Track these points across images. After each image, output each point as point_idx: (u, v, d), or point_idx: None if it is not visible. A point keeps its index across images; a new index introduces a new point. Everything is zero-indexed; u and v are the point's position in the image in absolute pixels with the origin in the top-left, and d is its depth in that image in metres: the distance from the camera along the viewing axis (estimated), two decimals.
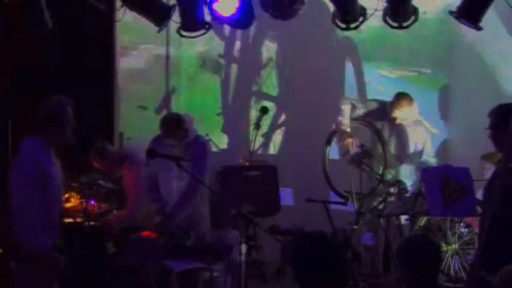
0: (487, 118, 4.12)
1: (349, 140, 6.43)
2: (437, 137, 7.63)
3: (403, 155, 6.52)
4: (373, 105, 6.61)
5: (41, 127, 4.14)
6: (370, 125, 6.54)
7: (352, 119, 6.57)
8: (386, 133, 6.49)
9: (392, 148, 6.50)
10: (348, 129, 6.46)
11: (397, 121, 6.42)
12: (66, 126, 4.17)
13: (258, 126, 6.36)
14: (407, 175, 6.45)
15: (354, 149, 6.41)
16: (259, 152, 7.54)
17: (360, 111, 6.57)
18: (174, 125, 5.23)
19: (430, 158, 6.51)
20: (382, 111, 6.47)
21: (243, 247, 4.79)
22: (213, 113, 7.82)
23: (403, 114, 6.38)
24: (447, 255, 6.13)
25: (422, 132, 6.57)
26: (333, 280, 2.96)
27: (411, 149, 6.53)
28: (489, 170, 5.71)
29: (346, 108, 6.51)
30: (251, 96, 7.89)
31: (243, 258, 5.32)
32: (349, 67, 7.84)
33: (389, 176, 6.36)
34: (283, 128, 7.94)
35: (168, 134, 5.21)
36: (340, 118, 6.48)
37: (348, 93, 7.67)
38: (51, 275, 4.11)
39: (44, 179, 4.05)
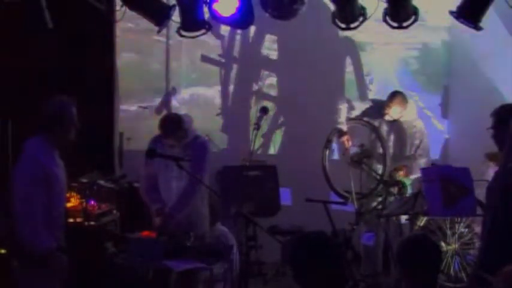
0: (488, 118, 4.13)
1: (345, 138, 6.44)
2: (438, 136, 7.65)
3: (401, 153, 6.52)
4: (371, 104, 6.64)
5: (46, 127, 4.14)
6: (368, 124, 6.55)
7: (350, 119, 6.58)
8: (384, 131, 6.50)
9: (390, 146, 6.50)
10: (344, 128, 6.47)
11: (388, 118, 6.43)
12: (70, 127, 4.17)
13: (258, 126, 6.35)
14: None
15: (351, 147, 6.42)
16: (259, 152, 7.54)
17: (358, 110, 6.59)
18: (173, 125, 5.21)
19: (419, 157, 6.46)
20: (380, 110, 6.49)
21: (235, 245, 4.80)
22: (213, 113, 7.82)
23: (394, 112, 6.40)
24: (447, 255, 6.13)
25: (419, 131, 6.55)
26: (332, 280, 2.96)
27: (409, 147, 6.51)
28: (490, 170, 5.72)
29: (343, 108, 6.54)
30: (251, 96, 7.89)
31: (238, 258, 5.34)
32: (349, 67, 7.86)
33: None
34: (283, 128, 7.94)
35: (168, 134, 5.20)
36: (336, 117, 6.49)
37: (348, 93, 7.70)
38: (54, 275, 4.11)
39: (47, 179, 4.05)
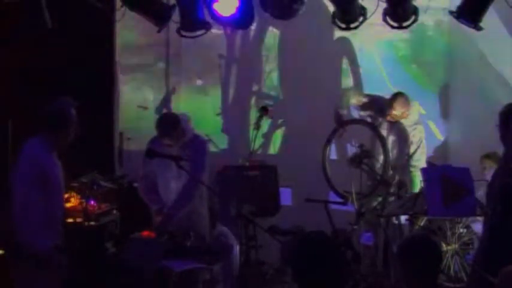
0: (488, 118, 4.14)
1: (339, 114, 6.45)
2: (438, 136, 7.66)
3: (401, 155, 6.52)
4: (370, 100, 6.68)
5: (46, 127, 4.14)
6: (369, 125, 6.55)
7: (351, 120, 6.59)
8: (384, 132, 6.51)
9: (390, 147, 6.51)
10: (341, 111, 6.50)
11: (389, 118, 6.44)
12: (70, 127, 4.18)
13: (258, 126, 6.35)
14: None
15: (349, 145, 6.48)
16: (259, 152, 7.54)
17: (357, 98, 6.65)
18: (170, 125, 5.19)
19: (414, 161, 6.46)
20: (381, 109, 6.50)
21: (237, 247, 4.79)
22: (213, 113, 7.82)
23: (396, 114, 6.41)
24: (447, 255, 6.13)
25: (418, 135, 6.54)
26: (332, 280, 2.96)
27: (407, 150, 6.51)
28: (490, 170, 5.72)
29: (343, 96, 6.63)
30: (251, 96, 7.89)
31: (238, 258, 5.34)
32: (348, 67, 7.87)
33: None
34: (283, 128, 7.94)
35: (164, 134, 5.18)
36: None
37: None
38: (53, 275, 4.11)
39: (46, 179, 4.05)
